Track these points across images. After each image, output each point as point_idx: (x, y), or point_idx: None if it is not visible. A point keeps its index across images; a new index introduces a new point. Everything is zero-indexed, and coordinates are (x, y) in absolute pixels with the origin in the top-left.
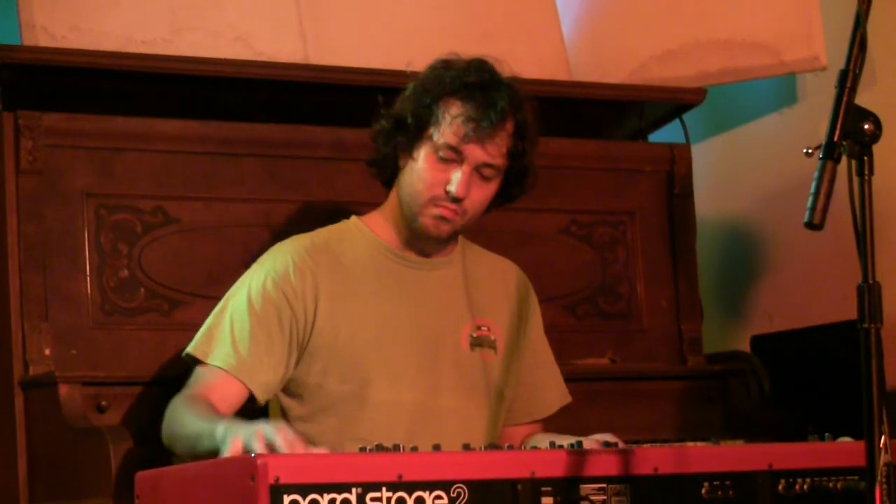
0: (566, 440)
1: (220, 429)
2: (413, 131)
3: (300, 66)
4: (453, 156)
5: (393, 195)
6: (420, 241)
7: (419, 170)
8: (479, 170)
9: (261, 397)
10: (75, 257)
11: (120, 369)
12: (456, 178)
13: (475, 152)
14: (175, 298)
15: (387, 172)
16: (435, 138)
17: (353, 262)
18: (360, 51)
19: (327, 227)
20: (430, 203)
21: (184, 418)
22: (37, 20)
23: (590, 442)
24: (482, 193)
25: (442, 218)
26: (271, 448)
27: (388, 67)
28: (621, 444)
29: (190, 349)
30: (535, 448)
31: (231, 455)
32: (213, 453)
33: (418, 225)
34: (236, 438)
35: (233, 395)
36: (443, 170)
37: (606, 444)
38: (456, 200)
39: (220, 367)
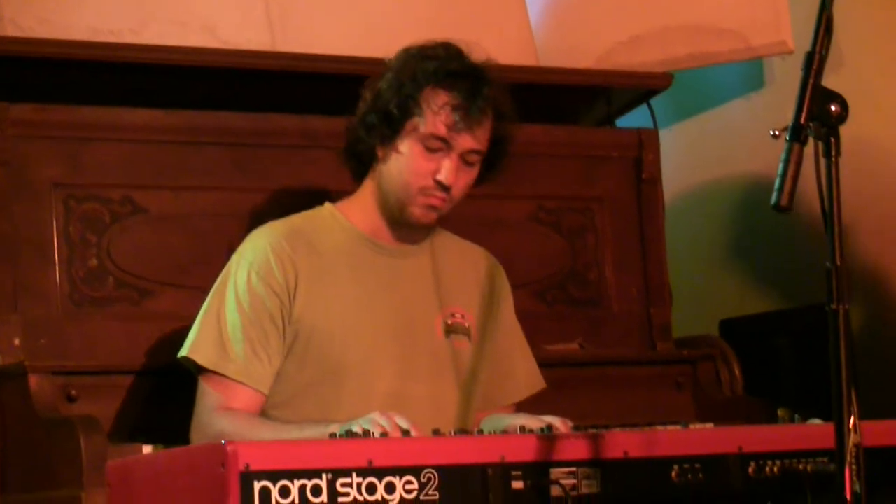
0: (528, 420)
1: (334, 433)
2: (397, 123)
3: (267, 55)
4: (441, 145)
5: (368, 184)
6: (405, 228)
7: (406, 161)
8: (464, 156)
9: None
10: (44, 248)
11: (90, 359)
12: (446, 167)
13: (464, 140)
14: (145, 288)
15: (365, 163)
16: (421, 129)
17: (329, 248)
18: (327, 39)
19: (302, 212)
20: (419, 193)
21: (255, 434)
22: (4, 12)
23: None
24: (467, 178)
25: (431, 206)
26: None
27: (356, 55)
28: (567, 427)
29: (197, 357)
30: (495, 429)
31: None
32: None
33: (407, 214)
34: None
35: (252, 402)
36: (430, 159)
37: (577, 427)
38: (446, 189)
39: (230, 377)
